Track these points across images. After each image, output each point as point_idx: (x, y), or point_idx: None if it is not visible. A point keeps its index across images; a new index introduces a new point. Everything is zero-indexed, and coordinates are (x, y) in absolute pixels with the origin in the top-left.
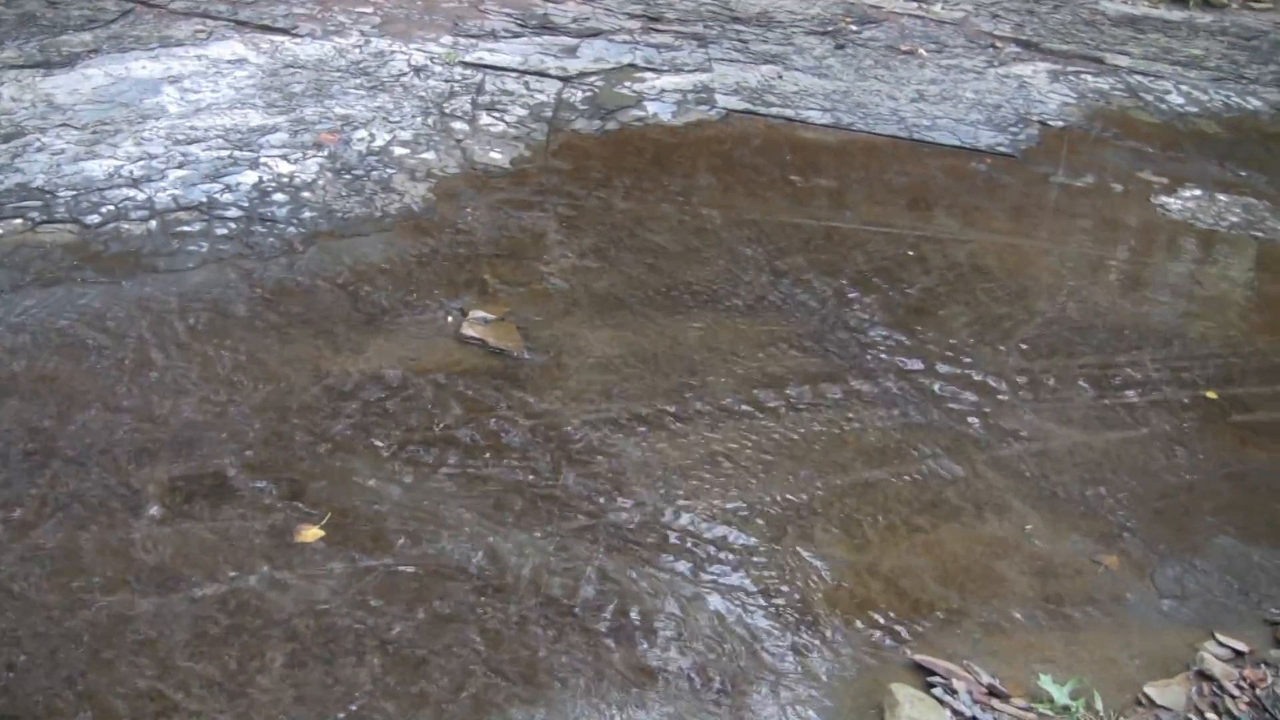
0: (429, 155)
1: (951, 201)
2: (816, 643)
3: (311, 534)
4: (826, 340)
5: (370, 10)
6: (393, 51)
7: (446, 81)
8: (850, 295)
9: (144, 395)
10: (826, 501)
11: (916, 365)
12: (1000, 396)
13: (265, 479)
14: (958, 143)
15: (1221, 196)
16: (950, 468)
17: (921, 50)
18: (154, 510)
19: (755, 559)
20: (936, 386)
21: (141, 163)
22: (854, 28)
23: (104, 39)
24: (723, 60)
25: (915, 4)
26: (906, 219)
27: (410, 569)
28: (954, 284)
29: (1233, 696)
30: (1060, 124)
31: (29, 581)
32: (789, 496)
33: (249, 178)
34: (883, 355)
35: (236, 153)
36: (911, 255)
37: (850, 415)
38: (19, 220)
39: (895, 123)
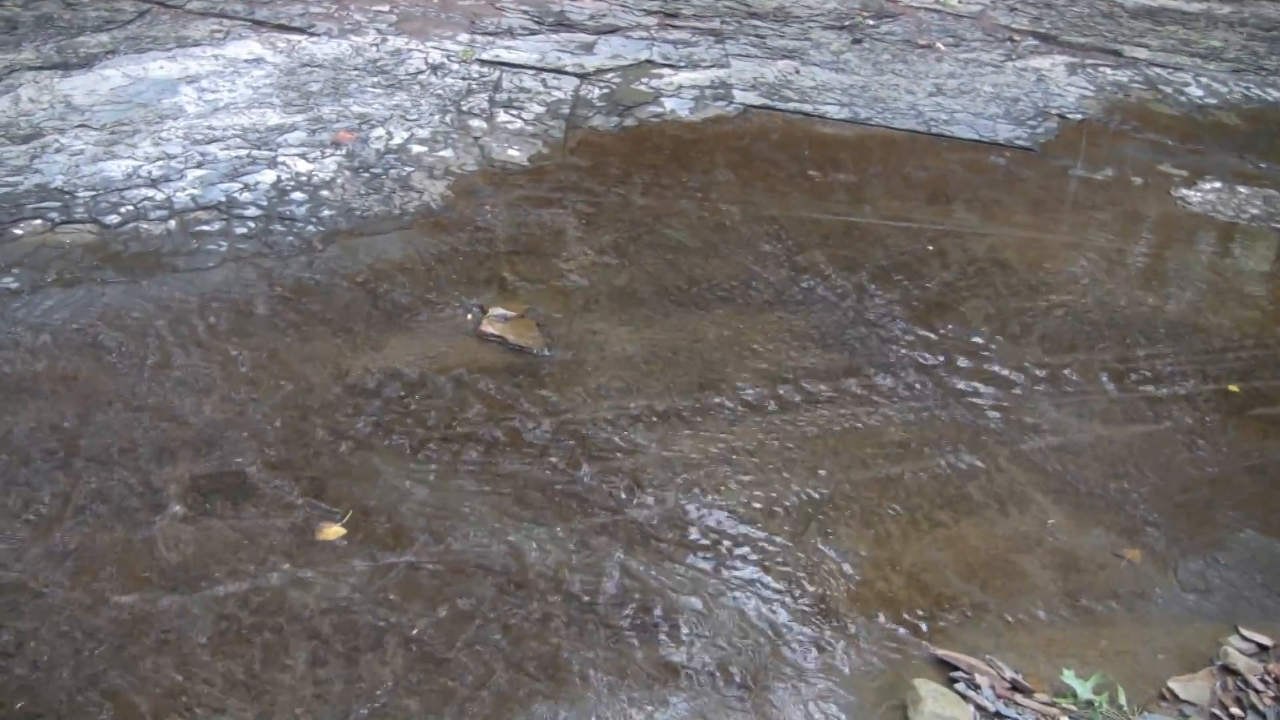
0: (447, 153)
1: (971, 195)
2: (839, 638)
3: (333, 531)
4: (846, 335)
5: (387, 8)
6: (410, 50)
7: (464, 79)
8: (870, 290)
9: (164, 394)
10: (848, 496)
11: (937, 360)
12: (1021, 390)
13: (286, 477)
14: (976, 137)
15: (1242, 189)
16: (971, 462)
17: (939, 44)
18: (175, 509)
19: (777, 554)
20: (957, 381)
21: (160, 163)
22: (871, 22)
23: (121, 40)
24: (740, 56)
25: None
26: (926, 213)
27: (432, 566)
28: (974, 278)
29: (1257, 691)
30: (1079, 117)
31: (52, 580)
32: (810, 491)
33: (267, 177)
34: (903, 350)
35: (255, 152)
36: (931, 250)
37: (871, 410)
38: (39, 221)
39: (913, 117)
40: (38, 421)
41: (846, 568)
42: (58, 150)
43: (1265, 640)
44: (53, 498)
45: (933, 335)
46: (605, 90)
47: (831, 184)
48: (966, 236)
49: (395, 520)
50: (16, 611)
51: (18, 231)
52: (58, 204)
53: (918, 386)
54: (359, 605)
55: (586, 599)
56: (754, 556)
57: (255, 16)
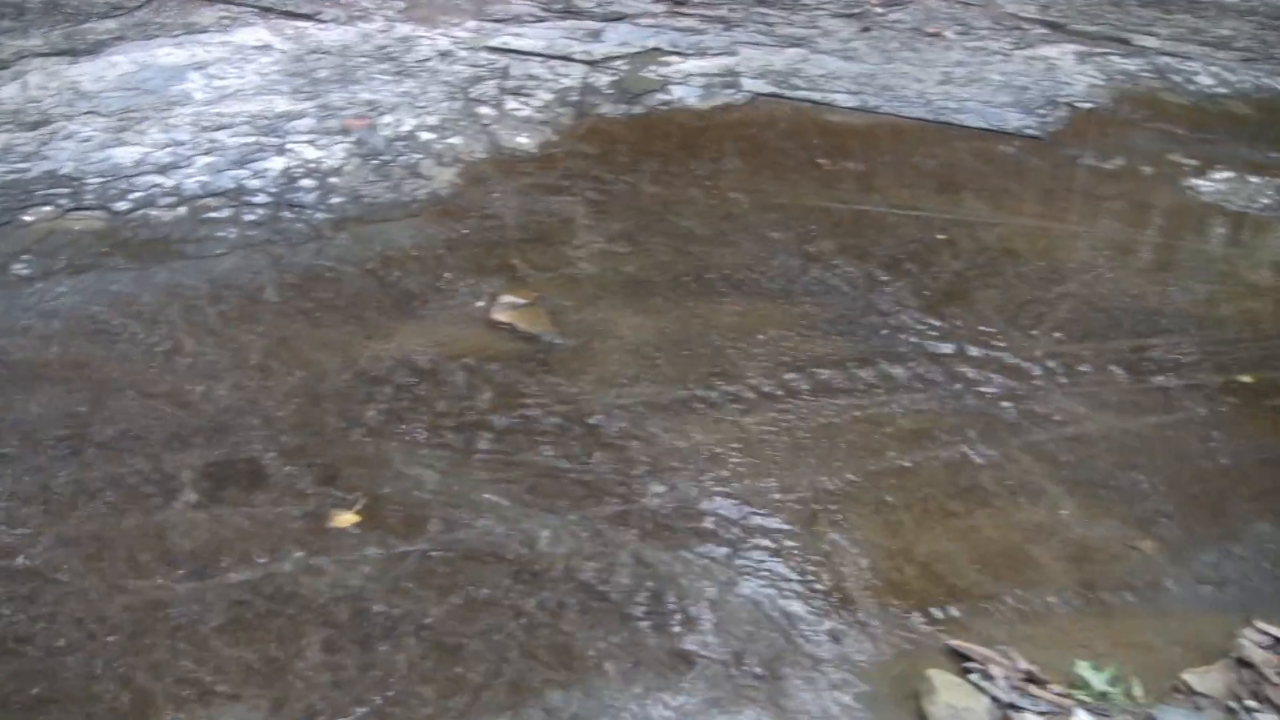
0: (456, 140)
1: (980, 184)
2: (852, 628)
3: (346, 519)
4: (857, 324)
5: None
6: (417, 37)
7: (472, 66)
8: (880, 279)
9: (176, 381)
10: (860, 486)
11: (948, 349)
12: (1033, 380)
13: (298, 464)
14: (985, 125)
15: (1253, 178)
16: (983, 452)
17: (948, 32)
18: (188, 496)
19: (789, 543)
20: (968, 371)
21: (169, 149)
22: (879, 10)
23: (129, 26)
24: (748, 44)
25: None
26: (935, 202)
27: (444, 554)
28: (984, 267)
29: (1273, 684)
30: (1088, 106)
31: (66, 567)
32: (822, 481)
33: (276, 164)
34: (914, 339)
35: (263, 139)
36: (941, 239)
37: (882, 399)
38: (48, 208)
39: (922, 105)
40: (49, 408)
41: (859, 557)
42: (66, 137)
43: None
44: (65, 484)
45: (944, 324)
46: (613, 78)
47: (841, 172)
48: (976, 225)
49: (408, 508)
50: (31, 598)
51: (27, 218)
52: (67, 190)
53: (929, 376)
54: (372, 593)
55: (600, 587)
56: (767, 545)
57: (262, 3)
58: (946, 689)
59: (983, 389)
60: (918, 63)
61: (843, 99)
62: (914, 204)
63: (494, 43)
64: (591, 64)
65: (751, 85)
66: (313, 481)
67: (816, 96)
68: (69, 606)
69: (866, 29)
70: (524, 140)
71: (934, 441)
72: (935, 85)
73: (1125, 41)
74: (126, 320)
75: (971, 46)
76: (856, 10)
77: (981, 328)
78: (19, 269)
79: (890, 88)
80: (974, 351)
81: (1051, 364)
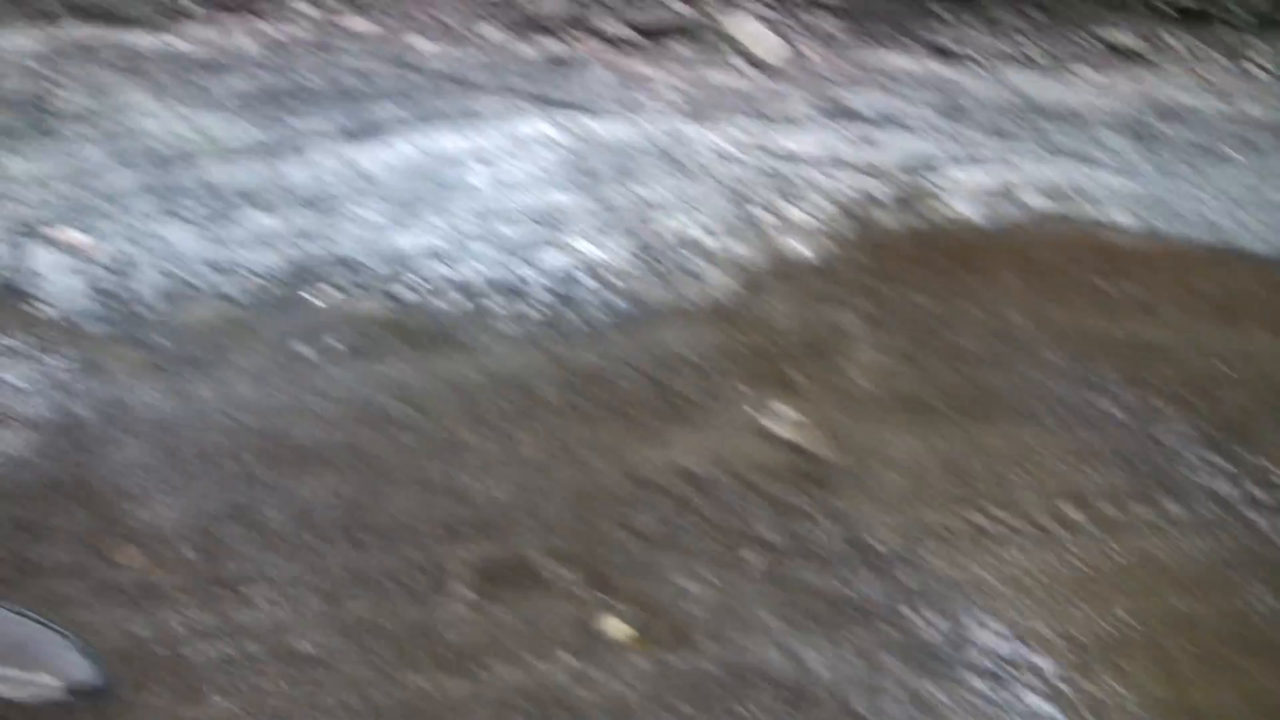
0: (732, 243)
1: (1266, 315)
2: None
3: (615, 627)
4: (1136, 457)
5: (670, 92)
6: (695, 135)
7: (749, 169)
8: (1160, 409)
9: (451, 474)
10: (1136, 629)
11: (1230, 489)
12: None
13: (570, 567)
14: (1271, 253)
15: None
16: (1270, 603)
17: (1231, 150)
18: (460, 590)
19: (1061, 685)
20: (1254, 515)
21: (450, 238)
22: (1159, 125)
23: (410, 111)
24: (1026, 156)
25: (1221, 102)
26: (1218, 332)
27: (713, 670)
28: (1271, 402)
29: None
30: None
31: (339, 652)
32: (1097, 620)
33: (556, 259)
34: (1196, 476)
35: (543, 232)
36: (1224, 370)
37: (1163, 539)
38: (331, 289)
39: (1204, 228)
40: (329, 492)
41: (1132, 704)
42: (349, 219)
43: None
44: (342, 570)
45: (1228, 463)
46: (890, 187)
47: (1119, 295)
48: (1262, 359)
49: (678, 620)
50: (306, 681)
51: (310, 298)
52: (350, 273)
53: (1210, 516)
54: (640, 705)
55: (868, 716)
56: (1041, 686)
57: (539, 93)
58: None
59: (1269, 534)
60: (1199, 182)
61: (1122, 217)
62: (1196, 332)
63: (771, 145)
64: (868, 172)
65: (1028, 199)
66: (584, 586)
67: (1094, 214)
68: (342, 694)
69: (1146, 145)
70: (801, 248)
71: (1214, 586)
72: (1217, 206)
73: None
74: (405, 409)
75: (1255, 166)
76: (1135, 125)
77: (1268, 466)
78: (302, 349)
79: (1171, 207)
80: (1258, 493)
81: None
